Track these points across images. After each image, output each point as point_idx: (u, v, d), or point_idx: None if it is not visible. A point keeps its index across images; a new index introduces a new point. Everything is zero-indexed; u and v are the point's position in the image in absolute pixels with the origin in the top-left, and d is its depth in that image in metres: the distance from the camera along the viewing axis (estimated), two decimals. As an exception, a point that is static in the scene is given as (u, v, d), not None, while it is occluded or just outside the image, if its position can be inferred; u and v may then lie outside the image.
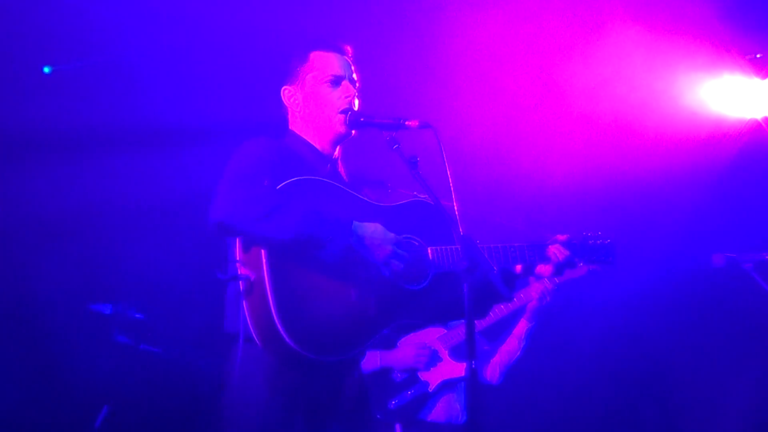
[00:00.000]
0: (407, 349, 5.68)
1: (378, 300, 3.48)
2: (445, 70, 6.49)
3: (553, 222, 4.14)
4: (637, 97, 6.51)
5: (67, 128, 5.94)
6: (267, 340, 3.34)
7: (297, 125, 3.77)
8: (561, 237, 3.87)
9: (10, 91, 5.94)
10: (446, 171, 3.37)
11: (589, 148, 6.64)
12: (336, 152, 3.78)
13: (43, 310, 5.89)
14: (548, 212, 6.46)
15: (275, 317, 3.28)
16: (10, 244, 5.98)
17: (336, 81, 3.70)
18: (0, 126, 5.85)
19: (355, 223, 3.40)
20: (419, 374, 5.70)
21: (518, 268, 3.84)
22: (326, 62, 3.72)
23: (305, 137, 3.74)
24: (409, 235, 3.60)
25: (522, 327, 5.85)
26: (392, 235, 3.46)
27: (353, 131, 3.72)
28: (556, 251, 3.80)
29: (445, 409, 5.69)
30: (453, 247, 3.63)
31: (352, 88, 3.72)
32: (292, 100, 3.75)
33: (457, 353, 5.76)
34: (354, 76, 3.77)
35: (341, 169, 3.82)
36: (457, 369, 5.71)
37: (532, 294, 5.79)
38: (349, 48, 3.80)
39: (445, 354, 5.76)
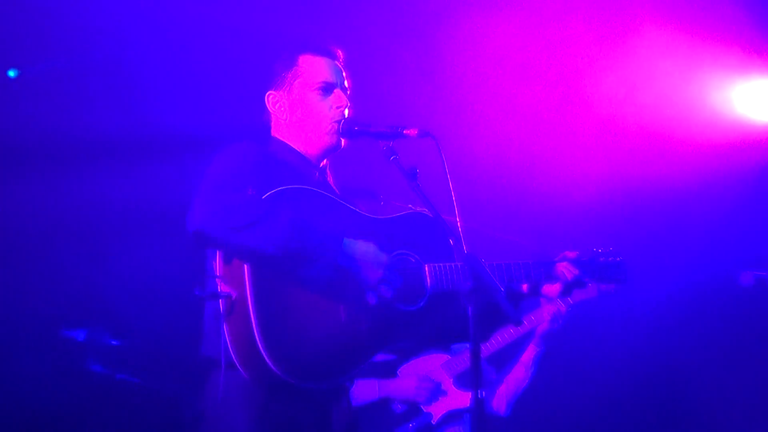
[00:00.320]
0: (410, 380, 5.65)
1: (370, 321, 3.44)
2: (447, 73, 6.51)
3: (567, 238, 4.12)
4: (660, 102, 6.56)
5: (31, 140, 5.91)
6: (249, 365, 3.30)
7: (281, 132, 3.74)
8: (570, 254, 3.86)
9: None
10: (448, 183, 3.37)
11: (606, 155, 6.66)
12: (324, 161, 3.76)
13: (9, 336, 5.83)
14: (561, 227, 6.45)
15: (258, 340, 3.23)
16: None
17: (327, 88, 3.68)
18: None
19: (347, 240, 3.36)
20: (421, 406, 5.67)
21: (524, 287, 3.83)
22: (316, 67, 3.70)
23: (291, 144, 3.71)
24: (404, 251, 3.57)
25: (530, 353, 5.80)
26: (385, 256, 3.42)
27: (343, 143, 3.69)
28: (565, 269, 3.79)
29: (450, 442, 5.67)
30: (452, 264, 3.60)
31: (345, 98, 3.69)
32: (277, 106, 3.72)
33: (462, 382, 5.73)
34: (345, 83, 3.75)
35: (330, 179, 3.80)
36: (462, 399, 5.68)
37: (543, 316, 5.74)
38: (340, 52, 3.78)
39: (449, 383, 5.73)
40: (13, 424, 5.68)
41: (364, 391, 5.53)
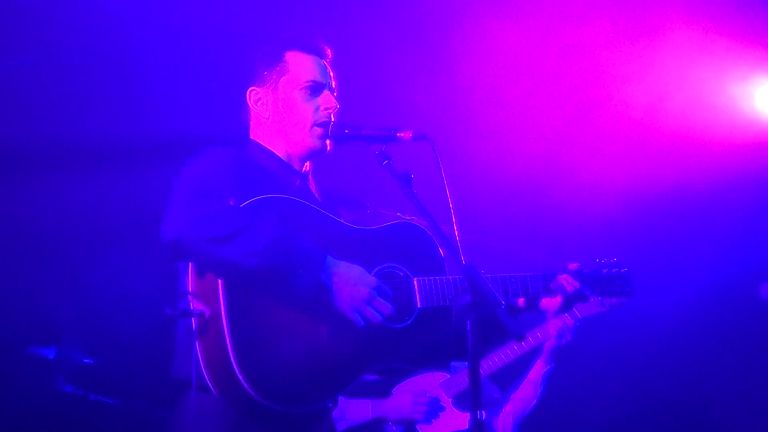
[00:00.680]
0: (403, 397, 5.66)
1: (354, 340, 3.42)
2: (444, 73, 6.52)
3: (573, 248, 4.14)
4: (677, 105, 6.59)
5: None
6: (223, 387, 3.28)
7: (261, 134, 3.73)
8: (571, 266, 3.85)
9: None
10: (444, 189, 3.36)
11: (617, 160, 6.69)
12: (305, 167, 3.76)
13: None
14: (567, 236, 6.48)
15: (233, 361, 3.22)
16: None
17: (315, 88, 3.68)
18: None
19: (330, 258, 3.34)
20: (418, 427, 5.68)
21: (520, 301, 3.82)
22: (304, 65, 3.70)
23: (270, 148, 3.70)
24: (392, 264, 3.57)
25: (538, 370, 5.83)
26: (372, 278, 3.41)
27: (329, 147, 3.69)
28: (564, 282, 3.78)
29: (449, 468, 5.69)
30: (443, 277, 3.60)
31: (334, 100, 3.69)
32: (259, 103, 3.72)
33: (461, 402, 5.74)
34: (333, 84, 3.75)
35: (312, 186, 3.79)
36: (462, 420, 5.69)
37: (549, 331, 5.76)
38: (329, 51, 3.78)
39: (448, 402, 5.74)
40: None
41: (356, 411, 5.55)
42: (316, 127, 3.67)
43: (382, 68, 6.39)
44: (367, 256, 3.48)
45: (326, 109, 3.68)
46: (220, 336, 3.24)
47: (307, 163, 3.76)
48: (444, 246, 3.37)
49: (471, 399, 3.06)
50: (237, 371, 3.21)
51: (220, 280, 3.28)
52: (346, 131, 3.64)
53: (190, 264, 3.37)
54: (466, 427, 5.66)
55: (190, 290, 3.35)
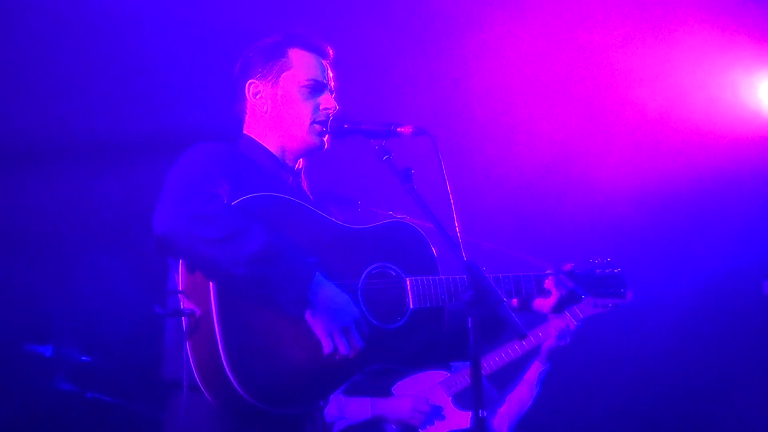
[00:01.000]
0: (404, 401, 5.64)
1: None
2: (445, 68, 6.52)
3: (571, 248, 4.11)
4: (680, 103, 6.59)
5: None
6: (214, 388, 3.25)
7: (255, 128, 3.71)
8: (564, 266, 3.82)
9: None
10: (445, 185, 3.34)
11: (618, 158, 6.69)
12: (298, 164, 3.73)
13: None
14: (567, 235, 6.47)
15: (225, 362, 3.18)
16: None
17: (315, 87, 3.67)
18: None
19: (319, 275, 3.29)
20: (419, 430, 5.67)
21: (513, 302, 3.78)
22: (307, 63, 3.68)
23: (264, 144, 3.68)
24: (383, 263, 3.54)
25: (534, 371, 5.82)
26: (356, 310, 3.35)
27: (326, 145, 3.67)
28: (558, 283, 3.75)
29: (448, 466, 5.68)
30: (436, 277, 3.57)
31: (334, 102, 3.68)
32: (257, 97, 3.69)
33: (461, 401, 5.73)
34: (332, 84, 3.73)
35: (304, 184, 3.77)
36: (462, 419, 5.68)
37: (550, 332, 5.76)
38: (331, 51, 3.76)
39: (448, 402, 5.74)
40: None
41: (356, 410, 5.54)
42: (314, 125, 3.65)
43: (382, 63, 6.37)
44: (360, 255, 3.46)
45: (325, 109, 3.66)
46: (211, 336, 3.21)
47: (300, 161, 3.74)
48: (445, 242, 3.33)
49: (473, 397, 3.04)
50: (228, 372, 3.18)
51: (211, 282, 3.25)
52: (346, 126, 3.62)
53: (181, 261, 3.33)
54: (466, 425, 5.65)
55: (180, 289, 3.30)
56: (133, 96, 6.07)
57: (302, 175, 3.77)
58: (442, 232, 3.30)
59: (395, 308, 3.52)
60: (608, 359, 6.79)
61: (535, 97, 6.65)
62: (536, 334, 5.77)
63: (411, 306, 3.54)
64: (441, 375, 5.78)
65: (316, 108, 3.65)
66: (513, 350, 5.75)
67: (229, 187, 3.34)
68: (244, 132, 3.73)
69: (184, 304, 3.28)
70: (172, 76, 6.04)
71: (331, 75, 3.75)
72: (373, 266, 3.51)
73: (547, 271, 3.79)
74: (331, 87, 3.72)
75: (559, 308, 3.78)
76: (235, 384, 3.18)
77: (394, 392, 5.72)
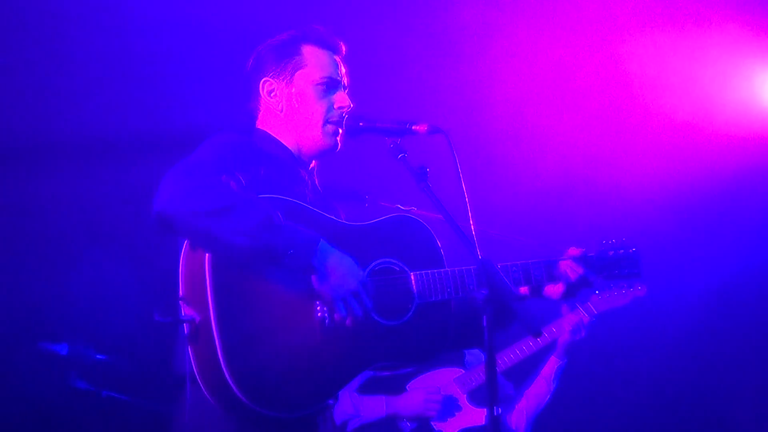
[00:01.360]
0: (417, 394, 5.65)
1: (349, 340, 3.35)
2: (460, 65, 6.51)
3: (584, 238, 4.08)
4: (688, 95, 6.57)
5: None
6: (217, 394, 3.23)
7: (270, 125, 3.68)
8: (574, 251, 3.79)
9: None
10: (460, 183, 3.33)
11: (631, 151, 6.68)
12: (313, 164, 3.72)
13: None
14: (580, 228, 6.46)
15: (224, 369, 3.15)
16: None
17: (330, 85, 3.65)
18: None
19: (323, 242, 3.28)
20: (433, 423, 5.68)
21: (524, 290, 3.75)
22: (321, 61, 3.66)
23: (279, 138, 3.66)
24: (387, 259, 3.51)
25: (551, 366, 5.82)
26: (362, 272, 3.33)
27: (339, 146, 3.65)
28: (567, 268, 3.73)
29: (464, 463, 5.69)
30: (441, 270, 3.54)
31: (348, 99, 3.66)
32: (272, 95, 3.67)
33: (476, 398, 5.73)
34: (345, 81, 3.71)
35: (316, 180, 3.75)
36: (477, 416, 5.69)
37: (564, 327, 5.77)
38: (344, 47, 3.74)
39: (463, 399, 5.74)
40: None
41: (370, 408, 5.54)
42: (328, 125, 3.63)
43: (397, 60, 6.36)
44: (362, 252, 3.41)
45: (340, 108, 3.64)
46: (211, 343, 3.18)
47: (314, 162, 3.73)
48: (459, 240, 3.31)
49: (487, 394, 3.04)
50: (228, 379, 3.15)
51: (208, 285, 3.20)
52: (361, 124, 3.60)
53: (180, 268, 3.31)
54: (481, 422, 5.66)
55: (181, 295, 3.28)
56: (138, 94, 6.06)
57: (315, 174, 3.75)
58: (456, 230, 3.29)
59: (401, 304, 3.49)
60: (624, 356, 6.78)
61: (550, 95, 6.63)
62: (550, 330, 5.77)
63: (416, 300, 3.51)
64: (456, 372, 5.78)
65: (331, 106, 3.64)
66: (527, 346, 5.75)
67: (244, 179, 3.33)
68: (258, 126, 3.71)
69: (184, 311, 3.25)
70: (178, 74, 6.02)
71: (344, 71, 3.72)
72: (376, 263, 3.47)
73: (558, 257, 3.76)
74: (344, 83, 3.71)
75: (569, 294, 3.74)
76: (236, 391, 3.17)
77: (408, 389, 5.72)
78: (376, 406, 5.58)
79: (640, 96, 6.65)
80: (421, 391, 5.65)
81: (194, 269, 3.27)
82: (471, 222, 3.31)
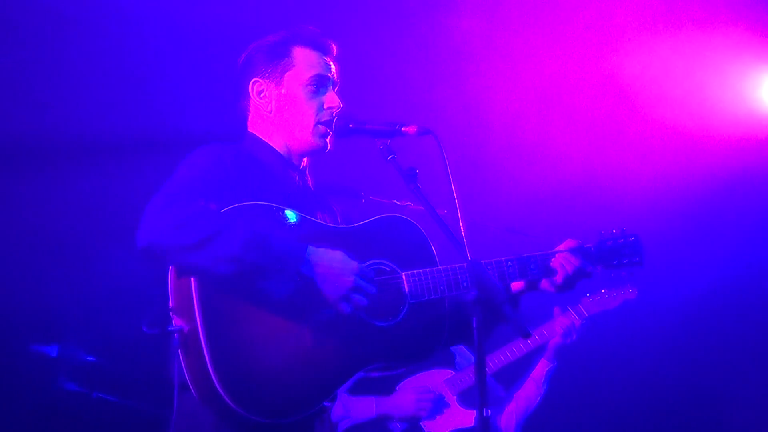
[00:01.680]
0: (408, 395, 5.65)
1: (340, 343, 3.35)
2: (449, 66, 6.50)
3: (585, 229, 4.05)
4: (683, 96, 6.59)
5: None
6: (209, 403, 3.23)
7: (260, 127, 3.69)
8: (570, 243, 3.76)
9: None
10: (450, 184, 3.32)
11: (625, 152, 6.69)
12: (303, 162, 3.72)
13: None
14: (570, 231, 6.47)
15: (214, 378, 3.15)
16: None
17: (319, 86, 3.64)
18: None
19: (311, 248, 3.28)
20: (422, 424, 5.67)
21: (516, 285, 3.74)
22: (311, 62, 3.66)
23: (269, 142, 3.66)
24: (378, 260, 3.49)
25: (541, 369, 5.82)
26: (354, 263, 3.33)
27: (329, 147, 3.65)
28: (564, 261, 3.69)
29: (453, 465, 5.68)
30: (433, 269, 3.53)
31: (338, 100, 3.65)
32: (261, 95, 3.66)
33: (466, 399, 5.73)
34: (336, 79, 3.70)
35: (309, 180, 3.75)
36: (467, 418, 5.68)
37: (555, 329, 5.77)
38: (335, 47, 3.73)
39: (453, 400, 5.73)
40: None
41: (360, 409, 5.53)
42: (319, 125, 3.63)
43: (387, 61, 6.36)
44: (352, 255, 3.38)
45: (329, 108, 3.63)
46: (199, 353, 3.17)
47: (305, 159, 3.73)
48: (449, 241, 3.30)
49: (478, 395, 3.02)
50: (219, 388, 3.15)
51: (195, 295, 3.20)
52: (350, 126, 3.59)
53: (169, 279, 3.30)
54: (471, 424, 5.65)
55: (171, 306, 3.28)
56: (138, 95, 6.06)
57: (307, 172, 3.75)
58: (446, 230, 3.28)
59: (393, 304, 3.47)
60: (615, 358, 6.78)
61: (538, 96, 6.64)
62: (541, 333, 5.77)
63: (409, 300, 3.49)
64: (446, 374, 5.77)
65: (320, 107, 3.63)
66: (518, 348, 5.75)
67: (225, 191, 3.32)
68: (249, 130, 3.71)
69: (174, 320, 3.26)
70: (175, 75, 6.04)
71: (335, 70, 3.72)
72: (366, 264, 3.44)
73: (554, 250, 3.73)
74: (335, 82, 3.70)
75: (567, 286, 3.70)
76: (227, 400, 3.16)
77: (398, 390, 5.71)
78: (366, 407, 5.57)
79: (638, 96, 6.66)
80: (412, 391, 5.64)
81: (181, 280, 3.27)
82: (461, 223, 3.29)
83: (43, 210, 6.03)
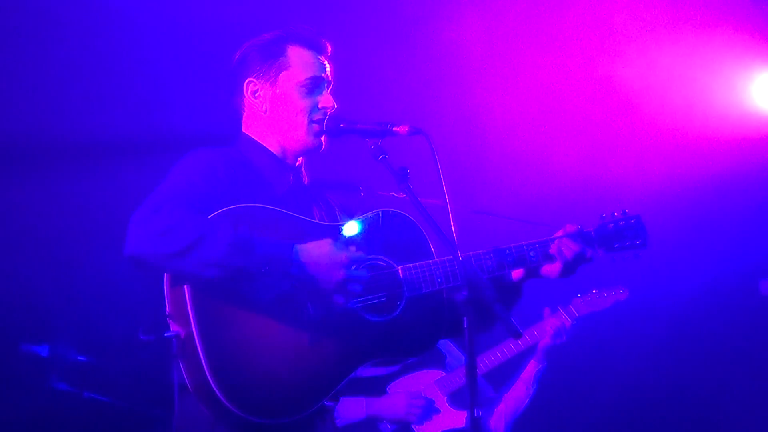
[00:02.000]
0: (399, 398, 5.63)
1: (338, 341, 3.35)
2: (441, 66, 6.50)
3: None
4: (677, 97, 6.59)
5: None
6: (209, 406, 3.23)
7: (254, 127, 3.68)
8: (570, 227, 3.71)
9: None
10: (441, 184, 3.30)
11: (618, 156, 6.68)
12: (299, 161, 3.71)
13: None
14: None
15: (211, 382, 3.15)
16: None
17: (314, 86, 3.63)
18: None
19: (296, 246, 3.26)
20: (413, 426, 5.66)
21: (516, 273, 3.72)
22: (305, 62, 3.64)
23: (263, 143, 3.65)
24: (373, 256, 3.48)
25: (531, 370, 5.82)
26: (343, 254, 3.30)
27: (324, 146, 3.64)
28: (563, 246, 3.66)
29: (444, 465, 5.67)
30: (430, 261, 3.52)
31: (332, 100, 3.64)
32: (256, 95, 3.65)
33: (457, 400, 5.72)
34: (330, 78, 3.70)
35: (304, 178, 3.75)
36: (458, 419, 5.68)
37: (546, 330, 5.76)
38: (330, 47, 3.72)
39: (443, 401, 5.73)
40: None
41: (350, 409, 5.52)
42: (313, 124, 3.62)
43: (379, 61, 6.35)
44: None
45: (323, 108, 3.62)
46: (196, 357, 3.18)
47: (300, 158, 3.72)
48: (440, 241, 3.29)
49: (468, 396, 3.02)
50: (217, 392, 3.15)
51: (188, 301, 3.20)
52: (342, 125, 3.59)
53: (165, 285, 3.30)
54: (462, 425, 5.65)
55: (167, 312, 3.28)
56: (135, 96, 6.04)
57: (302, 169, 3.75)
58: (437, 230, 3.27)
59: (390, 299, 3.47)
60: (605, 359, 6.78)
61: (531, 95, 6.63)
62: (531, 333, 5.77)
63: (406, 294, 3.49)
64: (436, 374, 5.77)
65: (315, 106, 3.62)
66: (508, 349, 5.75)
67: (216, 195, 3.32)
68: (243, 131, 3.70)
69: (171, 326, 3.26)
70: (170, 76, 6.02)
71: (329, 70, 3.71)
72: (356, 255, 3.40)
73: (553, 236, 3.69)
74: (329, 81, 3.69)
75: (567, 272, 3.67)
76: (226, 403, 3.17)
77: (389, 391, 5.70)
78: (356, 408, 5.57)
79: (635, 97, 6.65)
80: (404, 395, 5.64)
81: (175, 286, 3.27)
82: (452, 223, 3.28)
83: (34, 210, 6.00)
